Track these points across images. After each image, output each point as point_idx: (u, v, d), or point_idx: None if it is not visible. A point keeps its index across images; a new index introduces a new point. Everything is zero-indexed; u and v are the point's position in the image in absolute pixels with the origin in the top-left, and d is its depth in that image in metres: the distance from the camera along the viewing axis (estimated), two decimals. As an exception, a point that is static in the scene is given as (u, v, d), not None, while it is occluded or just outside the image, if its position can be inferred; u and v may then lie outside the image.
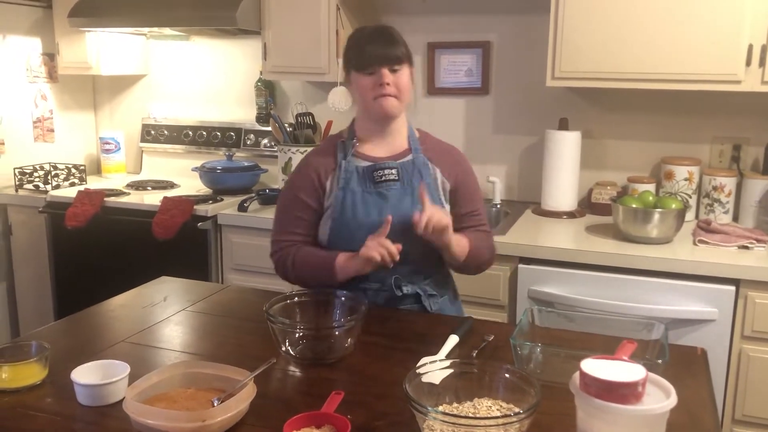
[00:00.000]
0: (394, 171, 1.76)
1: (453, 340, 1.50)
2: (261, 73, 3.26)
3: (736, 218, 2.69)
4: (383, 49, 1.69)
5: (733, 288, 2.21)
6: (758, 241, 2.39)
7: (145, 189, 3.35)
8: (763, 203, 2.59)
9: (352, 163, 1.78)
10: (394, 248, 1.61)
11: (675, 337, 2.22)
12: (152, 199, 3.09)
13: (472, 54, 3.07)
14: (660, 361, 1.25)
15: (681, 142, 2.85)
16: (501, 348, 1.48)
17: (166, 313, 1.75)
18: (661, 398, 1.03)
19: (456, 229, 1.73)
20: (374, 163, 1.78)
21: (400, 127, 1.82)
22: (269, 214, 2.86)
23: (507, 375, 1.20)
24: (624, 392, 1.00)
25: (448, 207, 1.81)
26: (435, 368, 1.22)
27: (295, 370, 1.42)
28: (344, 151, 1.80)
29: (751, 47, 2.34)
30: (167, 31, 3.45)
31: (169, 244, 2.89)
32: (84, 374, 1.28)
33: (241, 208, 2.90)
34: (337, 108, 3.08)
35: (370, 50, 1.70)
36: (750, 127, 2.73)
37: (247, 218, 2.87)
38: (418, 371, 1.19)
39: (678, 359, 1.44)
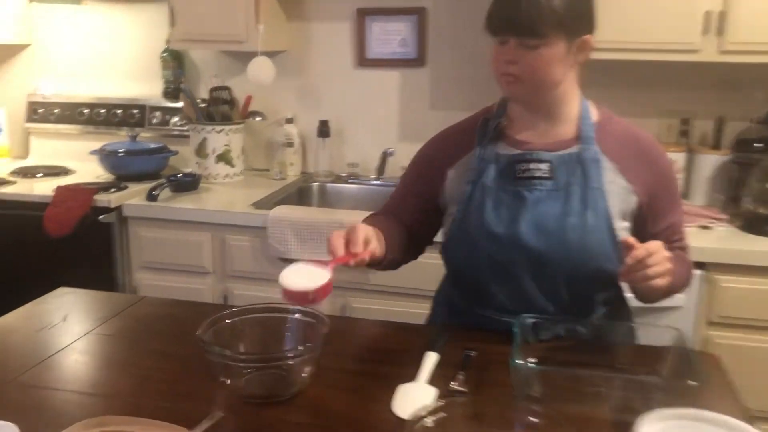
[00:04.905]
0: (544, 166, 1.33)
1: (432, 357, 1.26)
2: (168, 42, 2.96)
3: (686, 196, 2.59)
4: (514, 11, 1.25)
5: (699, 272, 2.10)
6: (716, 219, 2.29)
7: (33, 177, 3.01)
8: (716, 179, 2.49)
9: (491, 149, 1.38)
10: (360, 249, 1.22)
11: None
12: (43, 188, 2.77)
13: (406, 21, 2.84)
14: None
15: (628, 116, 2.68)
16: (492, 364, 1.25)
17: (68, 339, 1.41)
18: None
19: None
20: (523, 152, 1.36)
21: (564, 106, 1.37)
22: (182, 203, 2.60)
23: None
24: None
25: (624, 226, 1.35)
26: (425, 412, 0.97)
27: (241, 412, 1.14)
28: (484, 133, 1.40)
29: (708, 14, 2.21)
30: (53, -8, 3.04)
31: (65, 241, 2.60)
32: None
33: (150, 197, 2.62)
34: (258, 81, 2.80)
35: (498, 9, 1.28)
36: (697, 101, 2.64)
37: (157, 208, 2.58)
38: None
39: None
